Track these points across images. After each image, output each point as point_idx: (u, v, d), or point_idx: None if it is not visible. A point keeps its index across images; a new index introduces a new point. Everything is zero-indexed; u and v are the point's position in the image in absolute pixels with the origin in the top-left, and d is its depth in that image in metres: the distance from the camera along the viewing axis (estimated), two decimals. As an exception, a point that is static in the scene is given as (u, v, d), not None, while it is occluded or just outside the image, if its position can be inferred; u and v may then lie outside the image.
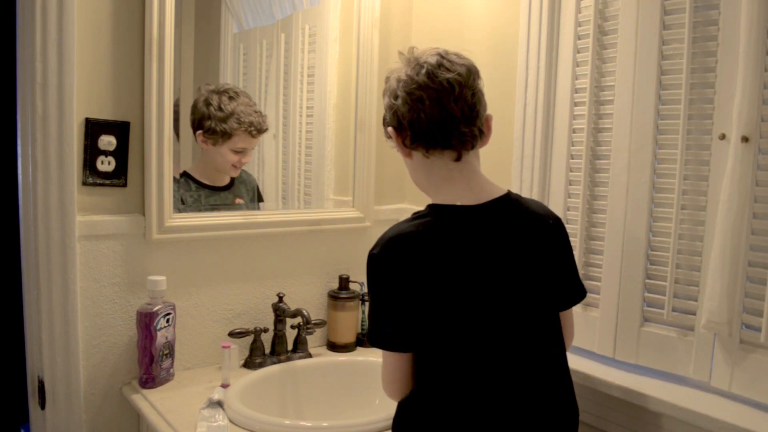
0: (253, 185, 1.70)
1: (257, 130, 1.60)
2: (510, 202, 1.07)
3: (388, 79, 1.10)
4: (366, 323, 1.75)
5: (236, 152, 1.59)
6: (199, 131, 1.55)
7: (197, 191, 1.58)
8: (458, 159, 1.05)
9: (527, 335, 1.04)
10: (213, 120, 1.55)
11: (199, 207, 1.57)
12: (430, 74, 1.03)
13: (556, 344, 1.08)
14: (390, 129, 1.09)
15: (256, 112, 1.61)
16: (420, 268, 0.99)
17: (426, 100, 1.02)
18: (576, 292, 1.14)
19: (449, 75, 1.02)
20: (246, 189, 1.68)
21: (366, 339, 1.10)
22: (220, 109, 1.55)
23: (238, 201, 1.67)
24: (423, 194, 1.77)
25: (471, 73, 1.05)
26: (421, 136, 1.05)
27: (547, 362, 1.06)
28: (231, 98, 1.57)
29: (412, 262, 0.99)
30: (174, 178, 1.49)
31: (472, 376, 1.00)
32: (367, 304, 1.75)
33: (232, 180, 1.66)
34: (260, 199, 1.71)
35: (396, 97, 1.06)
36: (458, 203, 1.03)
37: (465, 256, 1.00)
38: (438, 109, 1.02)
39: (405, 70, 1.06)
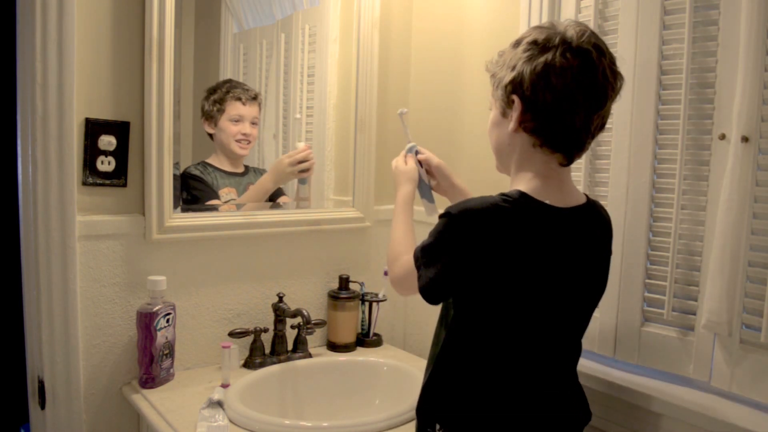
0: None
1: (246, 97, 1.64)
2: (591, 210, 1.05)
3: (535, 46, 0.95)
4: (365, 323, 1.76)
5: (234, 122, 1.63)
6: (203, 120, 1.62)
7: (214, 173, 1.63)
8: (566, 165, 1.00)
9: (575, 335, 1.08)
10: (209, 102, 1.62)
11: (215, 187, 1.62)
12: (594, 78, 0.93)
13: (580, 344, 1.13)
14: (517, 99, 0.96)
15: (246, 85, 1.67)
16: (494, 247, 0.92)
17: (580, 106, 0.94)
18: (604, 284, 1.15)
19: (608, 86, 0.95)
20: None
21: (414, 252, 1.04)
22: (213, 92, 1.62)
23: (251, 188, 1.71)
24: (423, 194, 1.71)
25: (620, 89, 0.98)
26: (549, 132, 0.97)
27: (576, 362, 1.11)
28: (224, 82, 1.65)
29: (488, 238, 0.92)
30: (190, 167, 1.58)
31: (523, 365, 1.00)
32: (367, 304, 1.75)
33: (246, 170, 1.69)
34: (278, 196, 1.73)
35: (547, 80, 0.93)
36: (547, 201, 0.97)
37: (542, 253, 0.96)
38: (584, 118, 0.95)
39: (567, 54, 0.92)
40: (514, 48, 0.98)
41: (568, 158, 0.99)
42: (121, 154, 1.41)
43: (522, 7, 1.50)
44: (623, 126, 1.31)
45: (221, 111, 1.62)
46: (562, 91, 0.93)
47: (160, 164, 1.43)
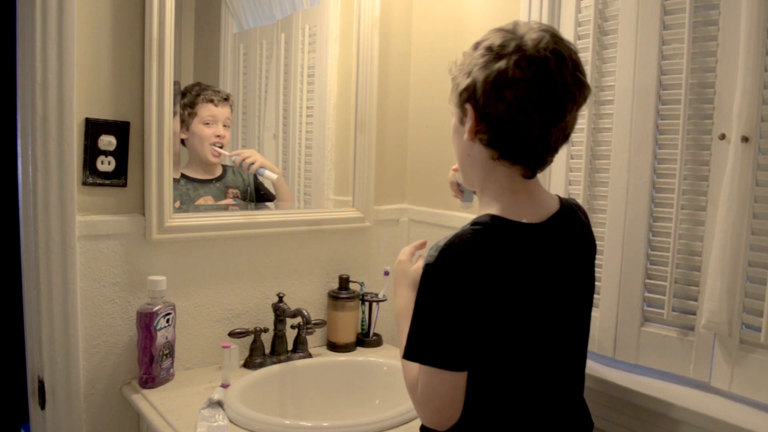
0: (249, 179, 1.71)
1: (218, 98, 1.61)
2: (567, 215, 1.00)
3: (491, 52, 0.89)
4: (365, 323, 1.75)
5: (206, 125, 1.60)
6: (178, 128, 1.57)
7: (185, 185, 1.59)
8: (528, 177, 0.95)
9: (577, 354, 1.05)
10: (179, 107, 1.57)
11: (189, 202, 1.58)
12: (549, 91, 0.87)
13: (585, 354, 1.09)
14: (470, 108, 0.92)
15: (216, 87, 1.64)
16: (483, 281, 0.88)
17: (533, 120, 0.88)
18: (594, 284, 1.13)
19: (566, 97, 0.89)
20: (242, 180, 1.69)
21: (408, 354, 0.92)
22: (184, 95, 1.58)
23: (231, 191, 1.67)
24: (424, 195, 1.75)
25: (584, 99, 0.92)
26: (504, 145, 0.92)
27: (582, 375, 1.08)
28: (193, 86, 1.61)
29: (475, 273, 0.87)
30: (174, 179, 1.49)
31: (529, 397, 0.96)
32: (367, 304, 1.75)
33: (224, 172, 1.66)
34: (267, 198, 1.71)
35: (498, 91, 0.88)
36: (524, 220, 0.93)
37: (530, 275, 0.92)
38: (539, 132, 0.90)
39: (521, 63, 0.87)
40: (474, 51, 0.93)
41: (531, 171, 0.94)
42: (121, 154, 1.41)
43: (522, 7, 1.50)
44: (623, 126, 1.31)
45: (192, 114, 1.59)
46: (514, 103, 0.87)
47: (160, 164, 1.43)
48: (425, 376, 0.90)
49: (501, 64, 0.87)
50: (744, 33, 1.10)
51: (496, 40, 0.90)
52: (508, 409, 0.95)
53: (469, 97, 0.92)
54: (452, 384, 0.89)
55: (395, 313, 1.08)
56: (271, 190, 1.72)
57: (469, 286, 0.87)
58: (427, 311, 0.89)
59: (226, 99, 1.64)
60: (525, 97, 0.87)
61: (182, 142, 1.59)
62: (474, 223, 0.92)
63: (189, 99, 1.59)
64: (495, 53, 0.89)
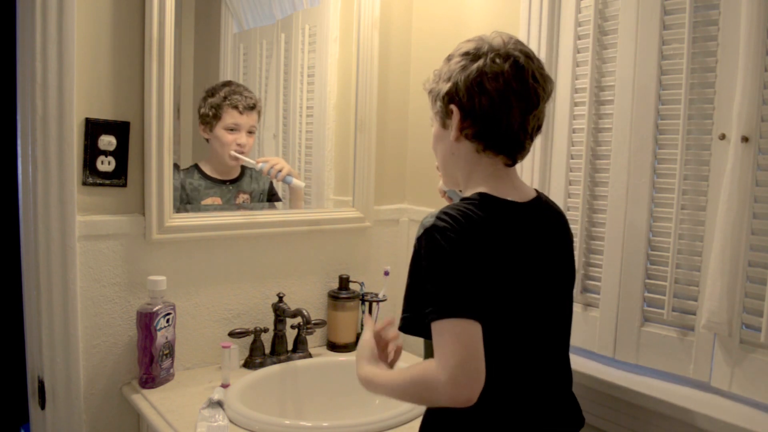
0: (264, 186, 1.71)
1: (244, 105, 1.60)
2: (544, 201, 1.08)
3: (467, 57, 0.99)
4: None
5: (230, 131, 1.59)
6: (199, 124, 1.59)
7: (199, 181, 1.59)
8: (510, 166, 1.03)
9: (562, 328, 1.08)
10: (206, 106, 1.58)
11: (197, 199, 1.58)
12: (525, 81, 0.97)
13: (568, 339, 1.12)
14: (455, 108, 1.00)
15: (246, 90, 1.62)
16: (479, 242, 0.92)
17: (515, 109, 0.97)
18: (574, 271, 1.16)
19: (539, 88, 0.98)
20: (257, 186, 1.69)
21: (407, 325, 0.97)
22: (212, 95, 1.58)
23: (242, 196, 1.67)
24: (424, 195, 1.76)
25: (551, 92, 1.02)
26: (489, 136, 1.00)
27: (567, 360, 1.10)
28: (224, 85, 1.61)
29: (471, 233, 0.92)
30: (176, 166, 1.51)
31: (518, 367, 0.99)
32: (367, 303, 1.75)
33: (241, 175, 1.66)
34: (276, 198, 1.72)
35: (480, 86, 0.97)
36: (509, 198, 1.01)
37: (518, 246, 0.98)
38: (520, 120, 0.98)
39: (497, 60, 0.97)
40: (448, 62, 1.03)
41: (512, 159, 1.03)
42: (121, 154, 1.41)
43: (522, 7, 1.50)
44: (623, 126, 1.31)
45: (217, 117, 1.58)
46: (496, 94, 0.97)
47: (160, 164, 1.43)
48: (448, 329, 0.88)
49: (479, 63, 0.98)
50: (744, 33, 1.10)
51: (470, 48, 1.01)
52: (503, 379, 0.96)
53: (452, 98, 1.00)
54: (476, 333, 0.88)
55: (364, 379, 1.04)
56: (287, 196, 1.73)
57: (468, 241, 0.92)
58: (437, 267, 0.91)
59: (253, 107, 1.62)
60: (504, 88, 0.97)
61: (206, 139, 1.60)
62: (463, 198, 0.99)
63: (216, 100, 1.58)
64: (472, 56, 0.99)
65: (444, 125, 1.04)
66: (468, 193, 1.02)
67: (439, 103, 1.03)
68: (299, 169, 1.77)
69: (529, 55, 1.00)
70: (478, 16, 1.66)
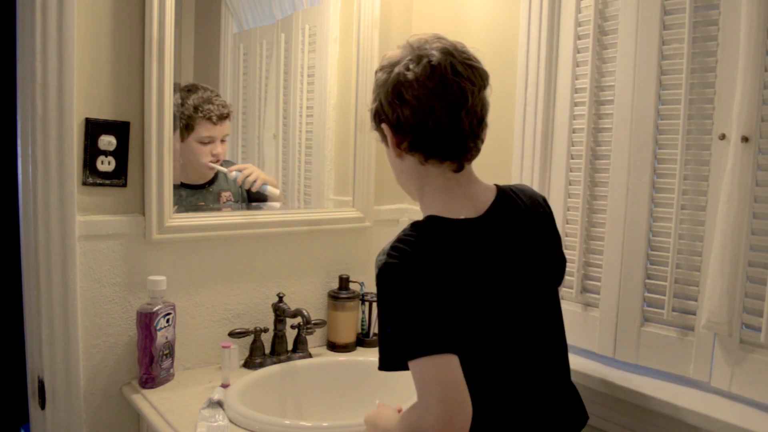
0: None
1: (217, 116, 1.56)
2: (505, 203, 1.03)
3: (386, 69, 0.98)
4: (366, 323, 1.75)
5: (203, 143, 1.57)
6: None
7: (180, 191, 1.55)
8: (459, 170, 1.00)
9: (548, 332, 1.06)
10: (177, 118, 1.50)
11: (181, 206, 1.55)
12: (442, 78, 0.94)
13: (563, 335, 1.10)
14: (385, 126, 1.00)
15: (216, 97, 1.57)
16: (432, 271, 0.91)
17: (438, 110, 0.94)
18: (564, 263, 1.15)
19: (462, 82, 0.94)
20: (232, 182, 1.66)
21: (386, 363, 0.94)
22: (182, 104, 1.53)
23: (224, 195, 1.65)
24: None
25: (483, 81, 0.98)
26: (424, 145, 0.98)
27: (564, 357, 1.09)
28: (189, 91, 1.55)
29: (424, 263, 0.92)
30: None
31: (503, 381, 0.98)
32: (367, 303, 1.75)
33: (215, 176, 1.64)
34: (261, 199, 1.71)
35: (400, 97, 0.95)
36: (461, 216, 0.97)
37: (471, 265, 0.95)
38: (448, 120, 0.95)
39: (410, 65, 0.95)
40: (375, 76, 1.02)
41: (458, 164, 0.99)
42: (121, 154, 1.41)
43: (522, 7, 1.50)
44: (623, 126, 1.31)
45: (189, 129, 1.53)
46: (415, 101, 0.94)
47: (160, 164, 1.43)
48: (420, 368, 0.87)
49: (394, 73, 0.96)
50: (744, 33, 1.10)
51: (390, 58, 0.99)
52: (493, 398, 0.96)
53: (380, 117, 1.00)
54: (454, 366, 0.87)
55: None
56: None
57: (424, 274, 0.90)
58: (396, 310, 0.91)
59: (227, 116, 1.58)
60: (423, 93, 0.94)
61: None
62: (412, 224, 0.97)
63: (186, 110, 1.52)
64: (388, 68, 0.98)
65: (386, 143, 1.03)
66: (422, 213, 1.01)
67: (373, 124, 1.03)
68: (299, 169, 1.78)
69: (448, 50, 0.96)
70: (478, 16, 1.66)
